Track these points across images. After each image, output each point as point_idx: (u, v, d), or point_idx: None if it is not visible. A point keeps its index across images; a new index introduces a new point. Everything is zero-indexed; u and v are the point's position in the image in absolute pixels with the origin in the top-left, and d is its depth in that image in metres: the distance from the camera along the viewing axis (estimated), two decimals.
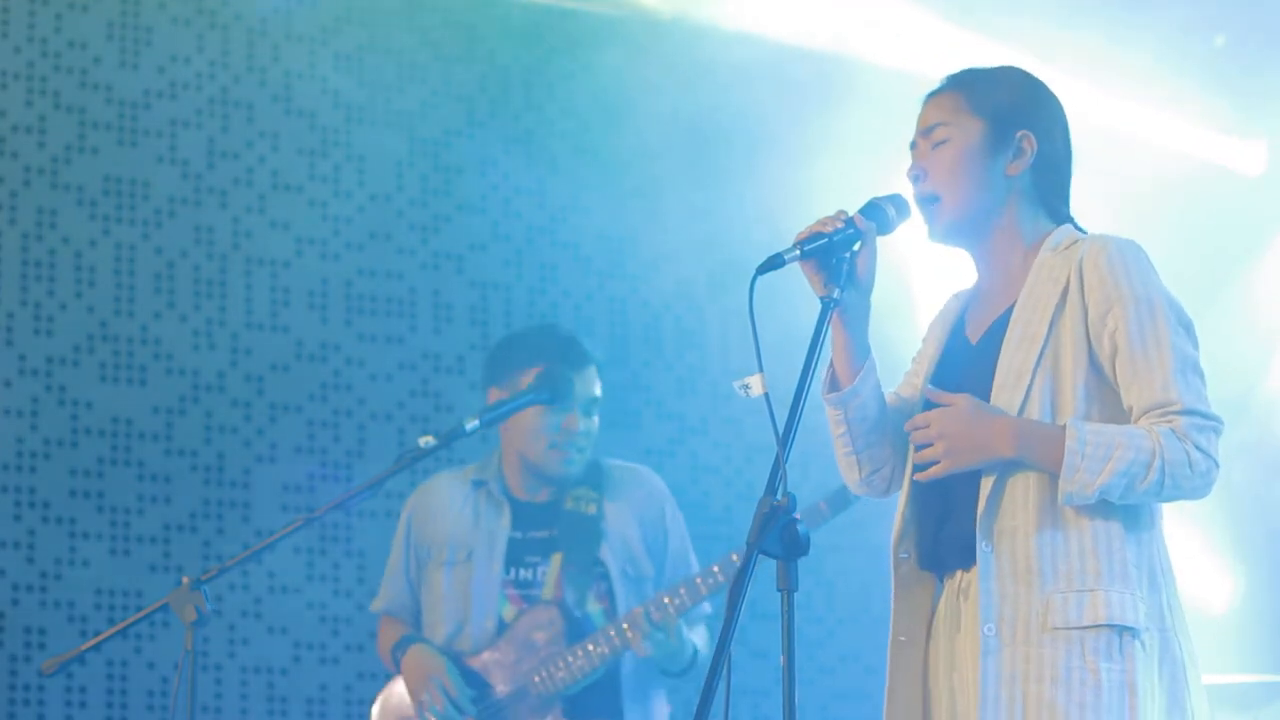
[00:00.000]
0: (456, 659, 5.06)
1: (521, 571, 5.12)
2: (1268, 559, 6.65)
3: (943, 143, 3.48)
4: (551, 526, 5.14)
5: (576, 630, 5.03)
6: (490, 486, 5.18)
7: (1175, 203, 6.46)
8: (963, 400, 3.34)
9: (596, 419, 5.20)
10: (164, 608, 4.15)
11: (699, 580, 4.99)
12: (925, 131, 3.51)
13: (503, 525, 5.14)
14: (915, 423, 3.39)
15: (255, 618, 5.92)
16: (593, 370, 5.22)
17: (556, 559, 5.11)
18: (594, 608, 5.09)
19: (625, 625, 4.98)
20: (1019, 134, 3.48)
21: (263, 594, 5.94)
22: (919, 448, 3.38)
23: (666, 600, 4.98)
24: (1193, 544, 6.46)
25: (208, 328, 6.00)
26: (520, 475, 5.17)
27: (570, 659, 4.99)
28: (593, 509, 5.15)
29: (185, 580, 4.12)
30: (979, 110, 3.49)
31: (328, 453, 6.06)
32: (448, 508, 5.20)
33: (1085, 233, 3.49)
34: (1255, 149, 6.95)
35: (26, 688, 5.66)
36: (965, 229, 3.49)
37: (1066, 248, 3.43)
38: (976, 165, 3.47)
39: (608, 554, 5.12)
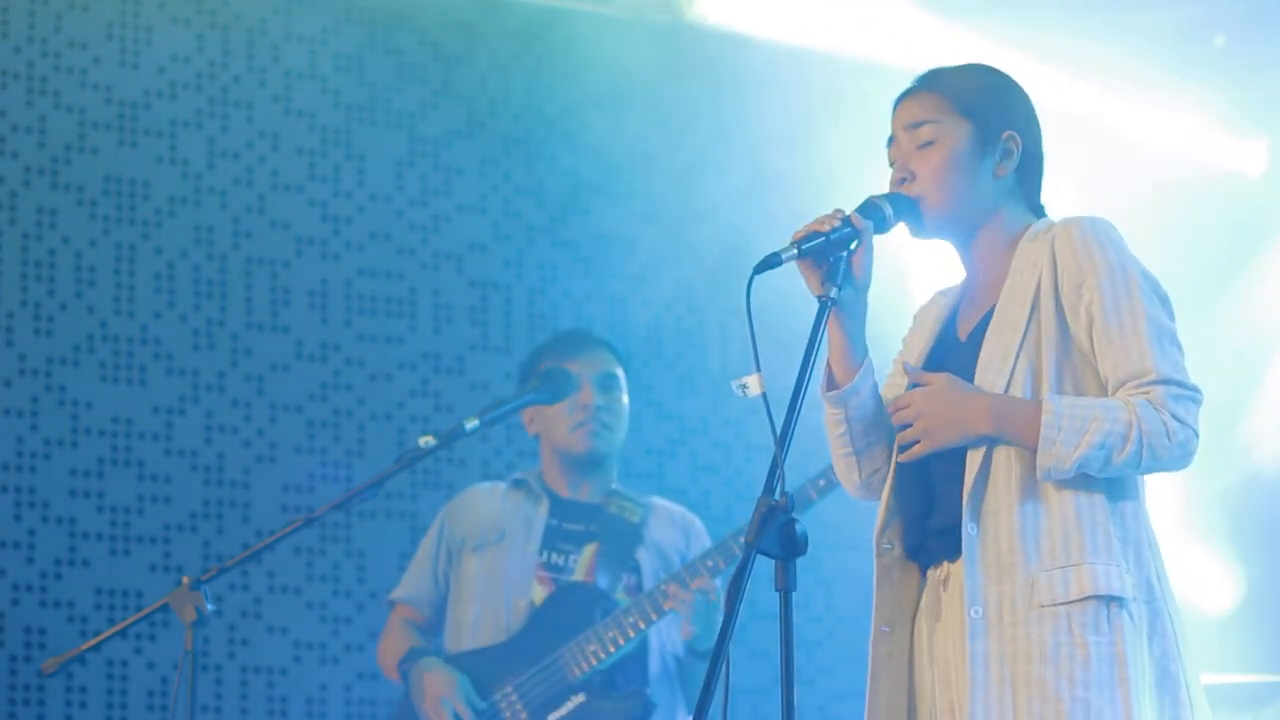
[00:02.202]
0: (472, 659, 5.04)
1: (554, 556, 5.11)
2: (1268, 559, 6.65)
3: (930, 143, 3.46)
4: (590, 522, 5.15)
5: (607, 613, 5.01)
6: (530, 484, 5.20)
7: (1176, 203, 6.46)
8: (941, 379, 3.36)
9: (622, 397, 5.20)
10: (164, 608, 4.15)
11: (730, 541, 4.95)
12: (910, 126, 3.48)
13: (540, 513, 5.15)
14: (897, 404, 3.40)
15: (255, 618, 5.92)
16: (603, 352, 5.23)
17: (591, 548, 5.11)
18: (622, 597, 5.08)
19: (665, 589, 4.95)
20: (1005, 134, 3.48)
21: (263, 594, 5.94)
22: (902, 429, 3.39)
23: (700, 571, 4.95)
24: (1193, 544, 6.46)
25: (208, 328, 6.00)
26: (559, 472, 5.18)
27: (603, 632, 4.96)
28: (635, 518, 5.17)
29: (185, 580, 4.12)
30: (965, 111, 3.47)
31: (328, 453, 6.06)
32: (485, 502, 5.23)
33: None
34: (1256, 149, 6.95)
35: (26, 688, 5.66)
36: (950, 227, 3.49)
37: (1042, 235, 3.42)
38: (965, 168, 3.46)
39: (643, 555, 5.12)
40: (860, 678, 6.32)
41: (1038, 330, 3.35)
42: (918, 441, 3.36)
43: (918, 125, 3.47)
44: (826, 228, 3.34)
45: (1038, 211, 3.52)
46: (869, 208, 3.40)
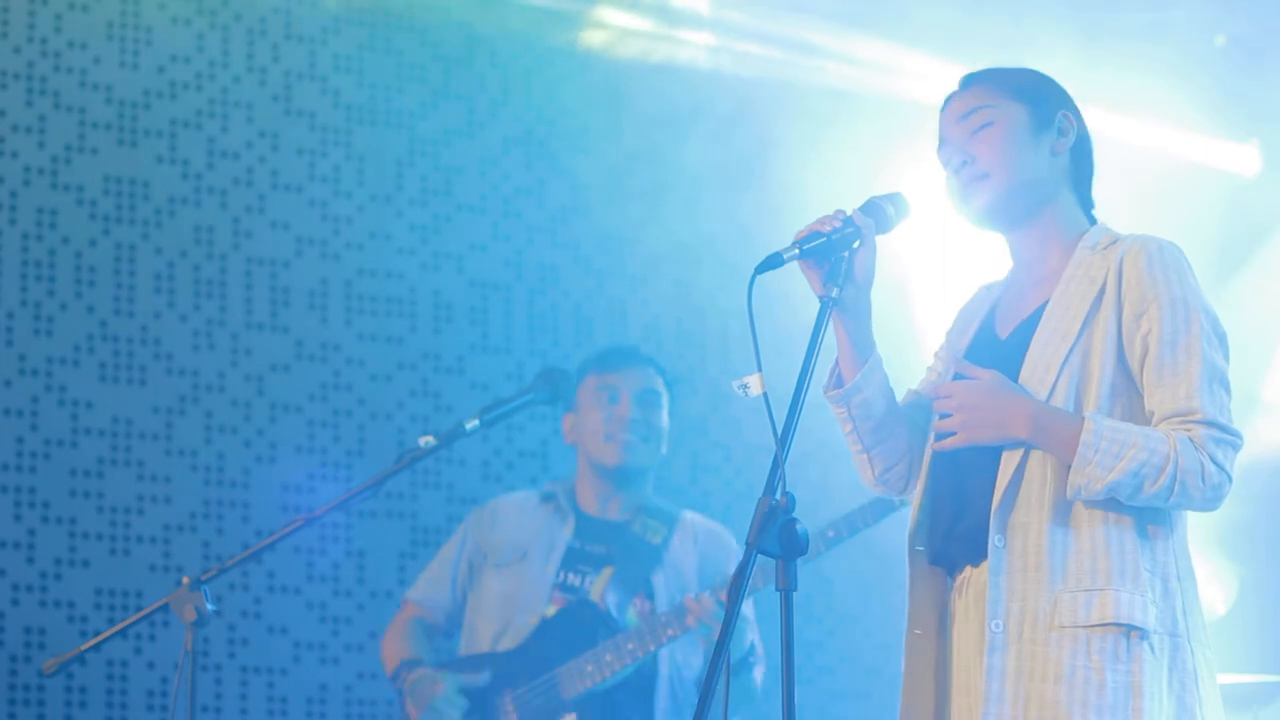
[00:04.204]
0: (477, 663, 5.05)
1: (570, 576, 5.11)
2: (1266, 557, 6.65)
3: (988, 125, 3.44)
4: (611, 543, 5.15)
5: (611, 633, 5.02)
6: (559, 500, 5.22)
7: (1172, 204, 6.46)
8: (988, 375, 3.34)
9: (662, 415, 5.22)
10: (164, 608, 4.15)
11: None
12: (964, 116, 3.47)
13: (564, 533, 5.16)
14: (939, 391, 3.39)
15: (255, 618, 5.92)
16: (647, 368, 5.25)
17: (607, 571, 5.12)
18: (633, 619, 5.08)
19: (669, 617, 4.94)
20: (1060, 113, 3.48)
21: (263, 594, 5.94)
22: (943, 418, 3.37)
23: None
24: (1190, 543, 6.45)
25: (208, 328, 5.99)
26: (590, 484, 5.20)
27: (600, 655, 4.97)
28: (658, 539, 5.16)
29: (185, 580, 4.12)
30: (1018, 95, 3.47)
31: (328, 453, 6.06)
32: (511, 516, 5.24)
33: (1120, 233, 3.48)
34: (1248, 151, 6.95)
35: (26, 688, 5.66)
36: (1013, 206, 3.46)
37: (1105, 247, 3.41)
38: (1026, 142, 3.44)
39: (659, 579, 5.12)
40: (860, 677, 6.34)
41: (1087, 344, 3.33)
42: (955, 433, 3.35)
43: (971, 113, 3.46)
44: (828, 228, 3.33)
45: (1089, 207, 3.51)
46: (871, 207, 3.39)
